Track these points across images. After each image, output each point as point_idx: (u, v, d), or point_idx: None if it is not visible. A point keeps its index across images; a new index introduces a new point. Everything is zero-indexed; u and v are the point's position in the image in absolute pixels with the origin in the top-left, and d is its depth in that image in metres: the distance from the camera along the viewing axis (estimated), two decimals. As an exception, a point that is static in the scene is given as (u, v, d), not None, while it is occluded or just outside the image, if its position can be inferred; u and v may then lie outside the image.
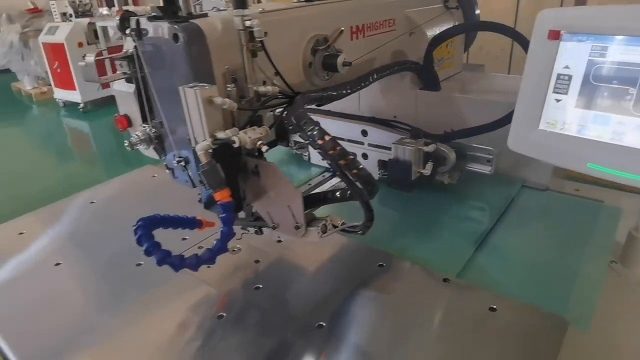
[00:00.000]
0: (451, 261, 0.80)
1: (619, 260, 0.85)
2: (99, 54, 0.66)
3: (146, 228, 0.59)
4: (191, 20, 0.60)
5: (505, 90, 1.05)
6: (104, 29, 4.59)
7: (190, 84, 0.58)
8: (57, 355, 0.62)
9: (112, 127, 4.55)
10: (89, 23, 4.53)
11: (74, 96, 4.60)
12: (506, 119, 0.88)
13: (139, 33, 0.63)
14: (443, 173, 0.97)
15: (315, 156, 1.18)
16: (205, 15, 0.63)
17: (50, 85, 4.90)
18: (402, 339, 0.63)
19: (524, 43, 0.85)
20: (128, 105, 0.75)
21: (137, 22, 0.63)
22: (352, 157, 0.57)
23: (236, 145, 0.58)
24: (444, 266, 0.78)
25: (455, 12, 1.16)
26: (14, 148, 4.02)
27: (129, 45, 0.71)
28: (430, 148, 0.90)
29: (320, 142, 0.57)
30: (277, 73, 0.66)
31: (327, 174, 1.17)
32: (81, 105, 4.58)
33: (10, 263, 0.83)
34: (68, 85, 4.59)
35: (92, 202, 1.03)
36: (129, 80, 0.71)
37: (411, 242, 0.87)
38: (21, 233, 0.92)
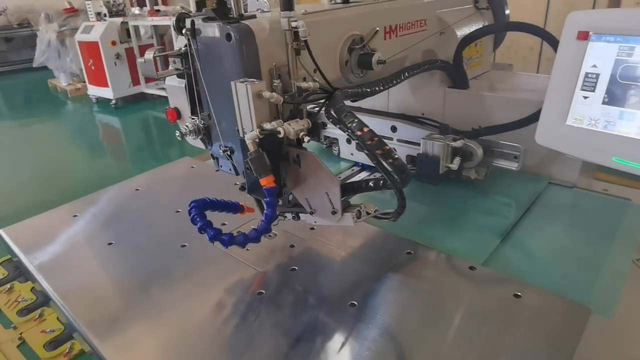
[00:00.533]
0: (477, 251, 0.83)
1: (644, 257, 0.87)
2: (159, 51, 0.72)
3: (199, 209, 0.65)
4: (242, 22, 0.65)
5: (533, 89, 1.08)
6: (136, 27, 4.75)
7: (241, 79, 0.64)
8: (117, 323, 0.69)
9: (141, 123, 4.72)
10: (122, 22, 4.69)
11: (107, 93, 4.78)
12: (533, 117, 0.91)
13: (194, 32, 0.69)
14: (470, 168, 1.01)
15: (344, 151, 1.23)
16: (254, 16, 0.68)
17: (84, 82, 5.10)
18: (430, 320, 0.67)
19: (554, 43, 0.87)
20: (178, 98, 0.82)
21: (192, 23, 0.69)
22: (388, 147, 0.61)
23: (281, 135, 0.64)
24: (469, 256, 0.81)
25: (486, 13, 1.18)
26: (51, 141, 4.20)
27: (180, 43, 0.77)
28: (458, 143, 0.94)
29: (359, 133, 0.61)
30: (319, 70, 0.71)
31: (355, 168, 1.21)
32: (113, 101, 4.75)
33: (69, 242, 0.91)
34: (101, 82, 4.77)
35: (137, 190, 1.10)
36: (180, 76, 0.78)
37: (438, 232, 0.90)
38: (75, 215, 1.00)
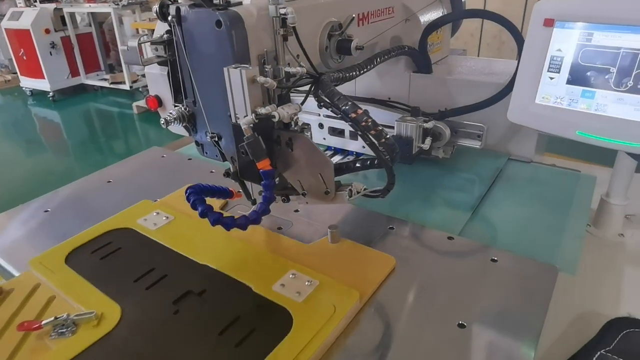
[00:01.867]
0: (451, 224, 0.90)
1: (592, 223, 0.98)
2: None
3: (198, 194, 0.66)
4: (230, 8, 0.66)
5: (490, 72, 1.16)
6: (72, 15, 4.47)
7: (234, 65, 0.65)
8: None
9: (83, 116, 4.48)
10: (56, 9, 4.39)
11: (43, 84, 4.48)
12: (495, 98, 0.99)
13: (179, 19, 0.69)
14: (438, 148, 1.07)
15: (316, 135, 1.26)
16: (240, 3, 0.69)
17: (15, 73, 4.74)
18: (416, 286, 0.73)
19: (511, 28, 0.95)
20: (160, 86, 0.81)
21: (178, 9, 0.68)
22: (380, 128, 0.65)
23: (276, 119, 0.66)
24: (445, 228, 0.88)
25: (444, 0, 1.25)
26: (-17, 138, 3.89)
27: (160, 30, 0.76)
28: (429, 125, 1.00)
29: (353, 115, 0.65)
30: (305, 56, 0.73)
31: (328, 152, 1.25)
32: (50, 94, 4.46)
33: (44, 238, 0.87)
34: (35, 73, 4.46)
35: (109, 182, 1.07)
36: (161, 63, 0.77)
37: (414, 209, 0.96)
38: (46, 210, 0.96)
